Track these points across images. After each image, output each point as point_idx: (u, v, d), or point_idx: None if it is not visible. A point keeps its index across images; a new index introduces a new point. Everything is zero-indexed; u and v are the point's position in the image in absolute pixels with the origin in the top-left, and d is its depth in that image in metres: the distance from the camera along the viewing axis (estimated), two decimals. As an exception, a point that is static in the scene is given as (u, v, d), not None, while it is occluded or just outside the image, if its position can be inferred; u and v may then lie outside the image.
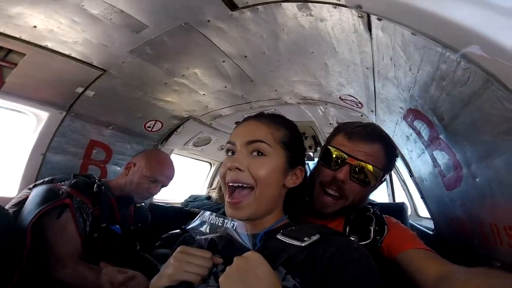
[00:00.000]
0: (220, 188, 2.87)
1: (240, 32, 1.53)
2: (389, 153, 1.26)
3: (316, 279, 0.79)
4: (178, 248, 0.91)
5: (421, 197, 1.95)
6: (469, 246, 1.26)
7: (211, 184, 3.83)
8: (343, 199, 1.23)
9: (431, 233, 1.91)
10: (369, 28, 1.06)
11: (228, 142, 1.02)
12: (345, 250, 0.82)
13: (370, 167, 1.20)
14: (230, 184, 0.95)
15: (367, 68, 1.37)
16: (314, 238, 0.85)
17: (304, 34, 1.41)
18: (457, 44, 0.77)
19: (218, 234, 0.93)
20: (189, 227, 1.00)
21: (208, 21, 1.45)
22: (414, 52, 0.96)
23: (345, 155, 1.21)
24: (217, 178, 2.99)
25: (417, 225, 2.28)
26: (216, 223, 0.94)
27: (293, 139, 1.04)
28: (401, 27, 0.89)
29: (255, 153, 0.96)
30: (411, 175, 1.98)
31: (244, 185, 0.94)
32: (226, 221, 0.93)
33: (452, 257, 1.04)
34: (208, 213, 0.99)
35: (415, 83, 1.13)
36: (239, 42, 1.62)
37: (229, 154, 1.01)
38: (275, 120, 1.05)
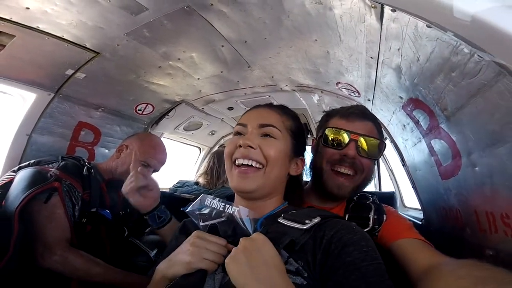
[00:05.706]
0: (207, 173, 2.85)
1: (242, 17, 1.51)
2: (379, 130, 1.37)
3: (317, 262, 0.81)
4: (195, 233, 0.90)
5: (413, 187, 1.99)
6: (461, 235, 1.30)
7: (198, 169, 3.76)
8: (357, 175, 1.29)
9: (420, 223, 1.96)
10: (380, 18, 1.07)
11: (239, 124, 1.07)
12: (345, 232, 0.84)
13: (372, 140, 1.30)
14: (240, 160, 0.99)
15: (371, 58, 1.39)
16: (316, 220, 0.87)
17: (310, 21, 1.40)
18: (473, 37, 0.80)
19: (220, 220, 0.93)
20: (188, 209, 0.99)
21: (211, 4, 1.42)
22: (425, 44, 0.98)
23: (348, 133, 1.28)
24: (204, 164, 2.97)
25: (404, 215, 2.33)
26: (218, 207, 0.93)
27: (299, 129, 1.12)
28: (416, 19, 0.91)
29: (266, 136, 1.02)
30: (404, 164, 2.03)
31: (253, 165, 0.98)
32: (228, 206, 0.92)
33: (443, 246, 1.08)
34: (209, 196, 0.98)
35: (421, 73, 1.15)
36: (241, 27, 1.60)
37: (237, 135, 1.06)
38: (285, 110, 1.12)
